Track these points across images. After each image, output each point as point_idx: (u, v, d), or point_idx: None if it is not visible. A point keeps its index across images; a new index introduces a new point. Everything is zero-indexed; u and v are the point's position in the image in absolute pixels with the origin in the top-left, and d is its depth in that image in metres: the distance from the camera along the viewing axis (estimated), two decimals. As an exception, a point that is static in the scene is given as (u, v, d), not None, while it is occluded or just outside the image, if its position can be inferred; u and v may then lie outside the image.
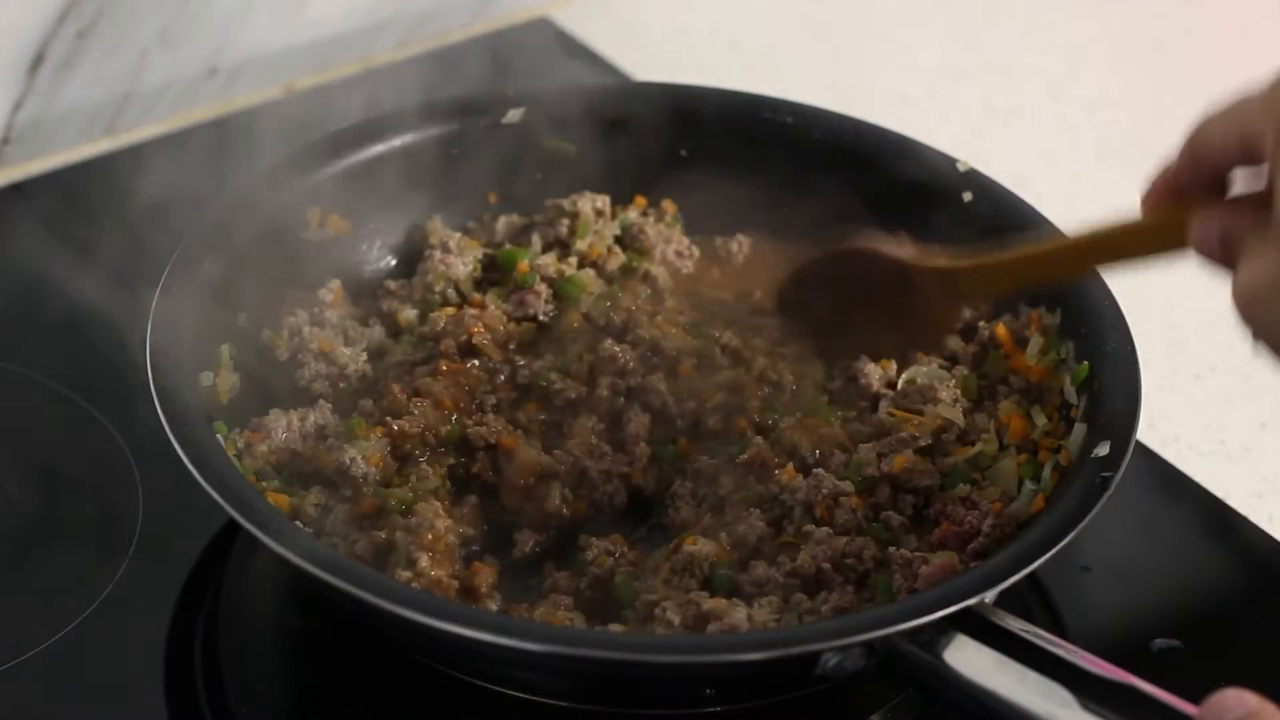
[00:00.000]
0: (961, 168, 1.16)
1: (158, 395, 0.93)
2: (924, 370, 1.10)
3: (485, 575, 0.96)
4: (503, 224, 1.22)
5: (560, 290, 1.16)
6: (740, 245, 1.22)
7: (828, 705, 0.96)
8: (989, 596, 0.85)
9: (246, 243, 1.08)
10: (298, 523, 0.96)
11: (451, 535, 0.97)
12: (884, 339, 1.06)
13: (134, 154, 1.38)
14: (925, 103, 1.57)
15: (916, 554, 0.96)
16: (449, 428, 1.04)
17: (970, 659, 0.83)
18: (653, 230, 1.21)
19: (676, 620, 0.92)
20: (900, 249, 1.00)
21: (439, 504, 0.99)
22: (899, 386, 1.10)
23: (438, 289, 1.15)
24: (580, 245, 1.19)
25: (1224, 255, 0.80)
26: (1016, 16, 1.72)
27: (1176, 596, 1.09)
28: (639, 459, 1.05)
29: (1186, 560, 1.11)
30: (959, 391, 1.08)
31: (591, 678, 0.92)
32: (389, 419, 1.04)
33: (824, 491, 0.99)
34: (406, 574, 0.94)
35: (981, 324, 1.12)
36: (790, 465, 1.02)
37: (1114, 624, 1.06)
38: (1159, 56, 1.68)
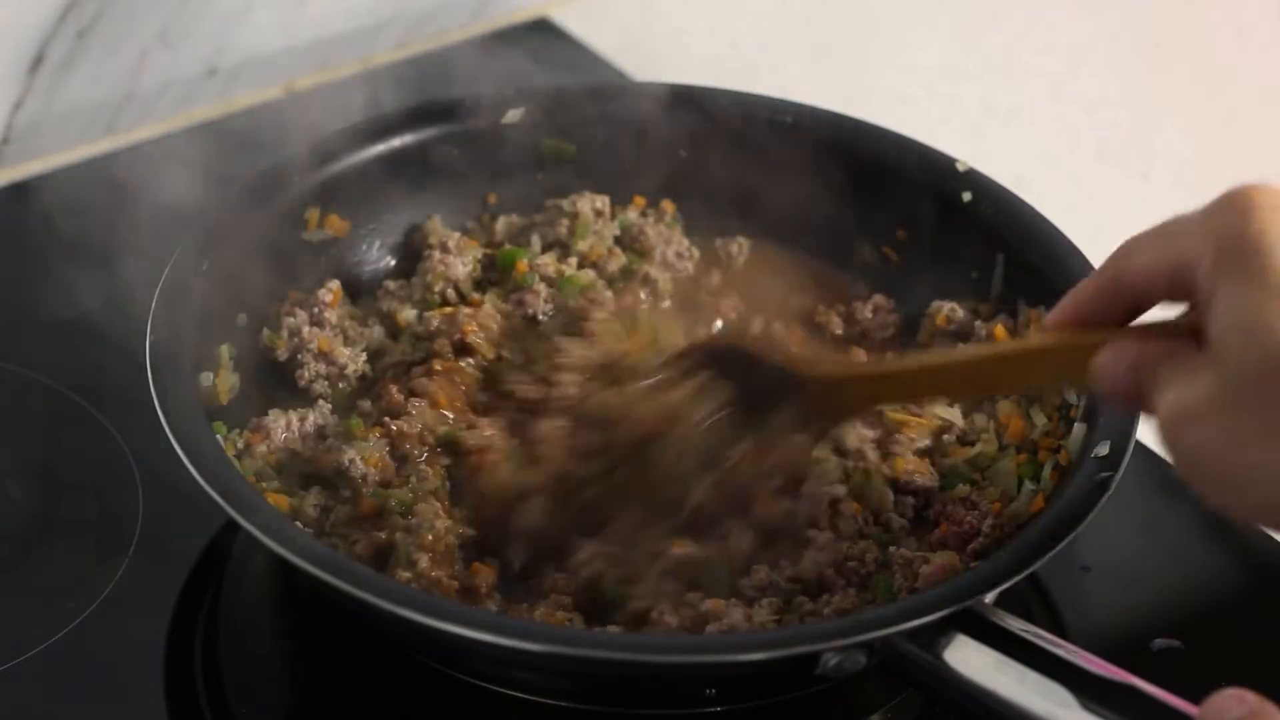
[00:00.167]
0: (961, 168, 1.16)
1: (158, 395, 0.93)
2: None
3: (485, 575, 0.96)
4: (502, 224, 1.22)
5: (560, 290, 1.16)
6: (740, 248, 1.22)
7: (828, 705, 0.96)
8: (989, 596, 0.85)
9: (246, 243, 1.08)
10: (298, 523, 0.97)
11: (451, 536, 0.97)
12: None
13: (134, 154, 1.38)
14: (925, 103, 1.57)
15: (917, 554, 0.96)
16: (445, 428, 1.04)
17: (970, 659, 0.82)
18: (653, 231, 1.21)
19: (675, 623, 0.92)
20: (782, 351, 0.98)
21: (439, 504, 0.99)
22: None
23: (437, 289, 1.15)
24: (581, 246, 1.19)
25: (1131, 386, 0.78)
26: (1016, 16, 1.72)
27: (1176, 596, 1.09)
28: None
29: (1186, 560, 1.11)
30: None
31: (591, 678, 0.92)
32: (386, 419, 1.04)
33: (823, 503, 0.99)
34: (406, 574, 0.94)
35: (979, 324, 1.12)
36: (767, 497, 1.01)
37: (1114, 624, 1.06)
38: (1159, 56, 1.68)
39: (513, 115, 1.20)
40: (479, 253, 1.19)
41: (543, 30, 1.60)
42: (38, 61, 1.37)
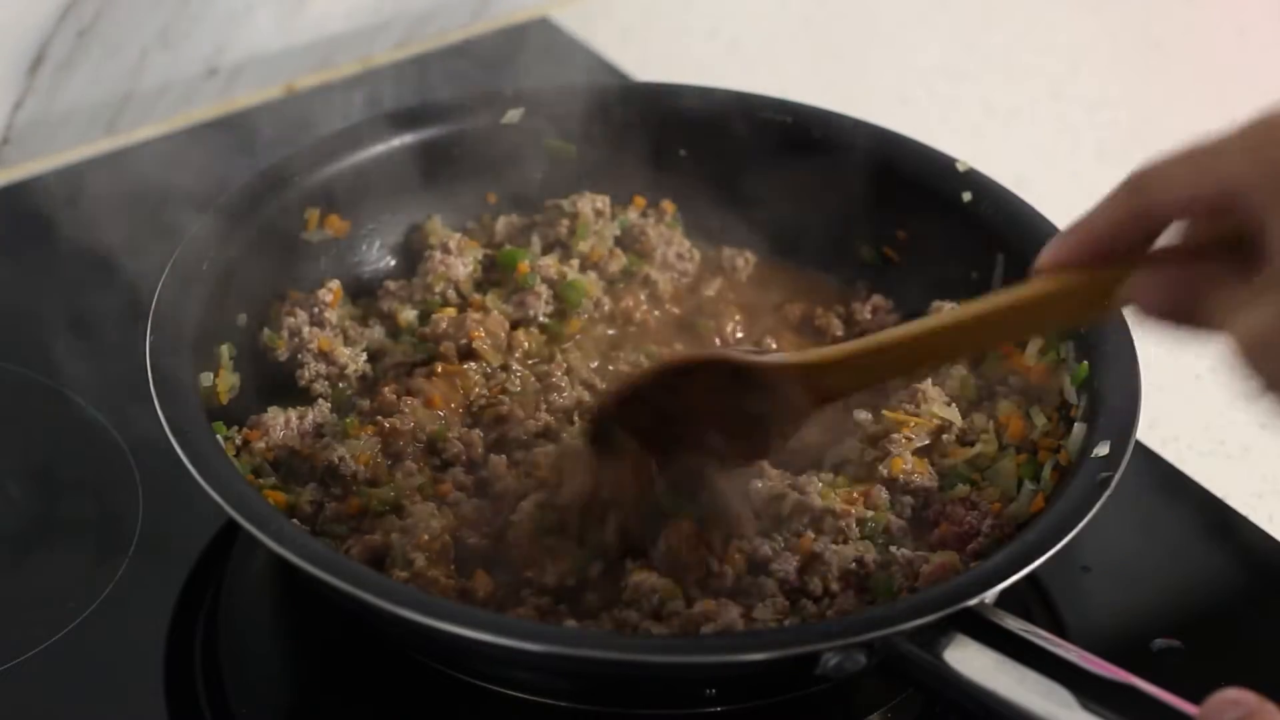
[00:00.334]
0: (961, 168, 1.16)
1: (158, 395, 0.93)
2: None
3: (484, 583, 0.96)
4: (502, 224, 1.22)
5: (561, 294, 1.16)
6: (746, 262, 1.22)
7: (828, 705, 0.96)
8: (989, 596, 0.85)
9: (246, 243, 1.08)
10: (295, 520, 0.97)
11: (447, 535, 0.97)
12: (732, 448, 0.97)
13: (134, 154, 1.38)
14: (925, 103, 1.57)
15: (917, 554, 0.96)
16: (436, 427, 1.04)
17: (970, 659, 0.82)
18: (654, 232, 1.21)
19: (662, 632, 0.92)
20: (747, 354, 0.95)
21: (433, 504, 0.99)
22: None
23: (438, 290, 1.15)
24: (582, 247, 1.19)
25: (1173, 306, 0.77)
26: (1016, 16, 1.72)
27: (1176, 596, 1.09)
28: None
29: (1186, 560, 1.11)
30: (956, 389, 1.08)
31: (591, 678, 0.92)
32: (379, 417, 1.04)
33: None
34: (403, 574, 0.94)
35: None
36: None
37: (1114, 624, 1.06)
38: (1159, 56, 1.68)
39: (513, 115, 1.20)
40: (479, 253, 1.19)
41: (543, 30, 1.60)
42: (38, 61, 1.37)
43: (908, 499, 1.01)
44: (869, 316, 1.17)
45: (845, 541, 0.97)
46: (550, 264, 1.17)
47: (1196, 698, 0.75)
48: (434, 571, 0.94)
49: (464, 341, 1.10)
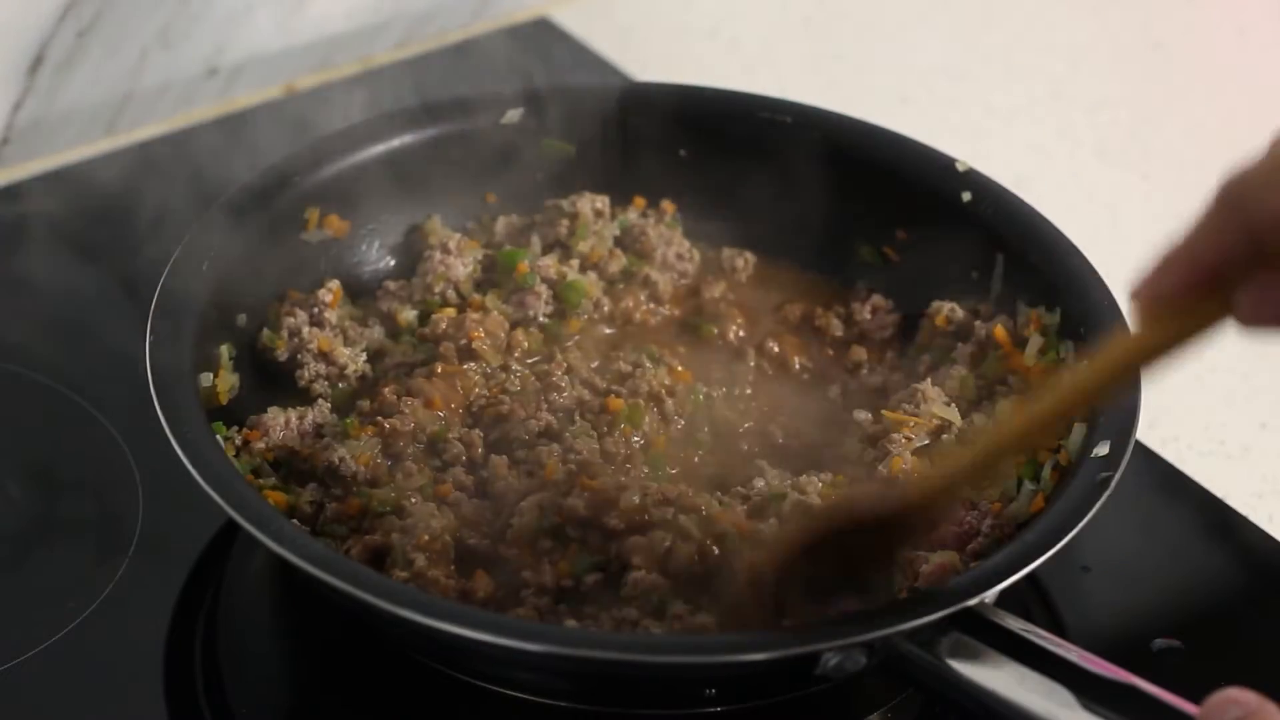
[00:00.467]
0: (961, 168, 1.16)
1: (158, 395, 0.93)
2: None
3: (483, 583, 0.96)
4: (502, 224, 1.22)
5: (561, 294, 1.16)
6: (746, 262, 1.22)
7: (828, 705, 0.96)
8: (989, 596, 0.85)
9: (246, 243, 1.08)
10: (295, 520, 0.97)
11: (447, 535, 0.97)
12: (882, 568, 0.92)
13: (134, 154, 1.38)
14: (925, 103, 1.57)
15: (917, 554, 0.96)
16: (437, 427, 1.04)
17: (970, 659, 0.82)
18: (653, 232, 1.21)
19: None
20: (883, 491, 0.91)
21: (433, 504, 0.99)
22: None
23: (437, 290, 1.15)
24: (582, 248, 1.19)
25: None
26: (1016, 16, 1.72)
27: (1176, 596, 1.09)
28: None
29: (1186, 560, 1.11)
30: (956, 390, 1.08)
31: (591, 678, 0.92)
32: (379, 418, 1.04)
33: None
34: (403, 574, 0.94)
35: (979, 324, 1.12)
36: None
37: (1114, 624, 1.06)
38: (1159, 56, 1.68)
39: (513, 115, 1.20)
40: (479, 253, 1.19)
41: (543, 30, 1.60)
42: (38, 61, 1.37)
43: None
44: (869, 316, 1.17)
45: None
46: (550, 264, 1.17)
47: (1196, 698, 0.75)
48: (434, 572, 0.94)
49: (463, 342, 1.10)
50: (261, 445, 1.01)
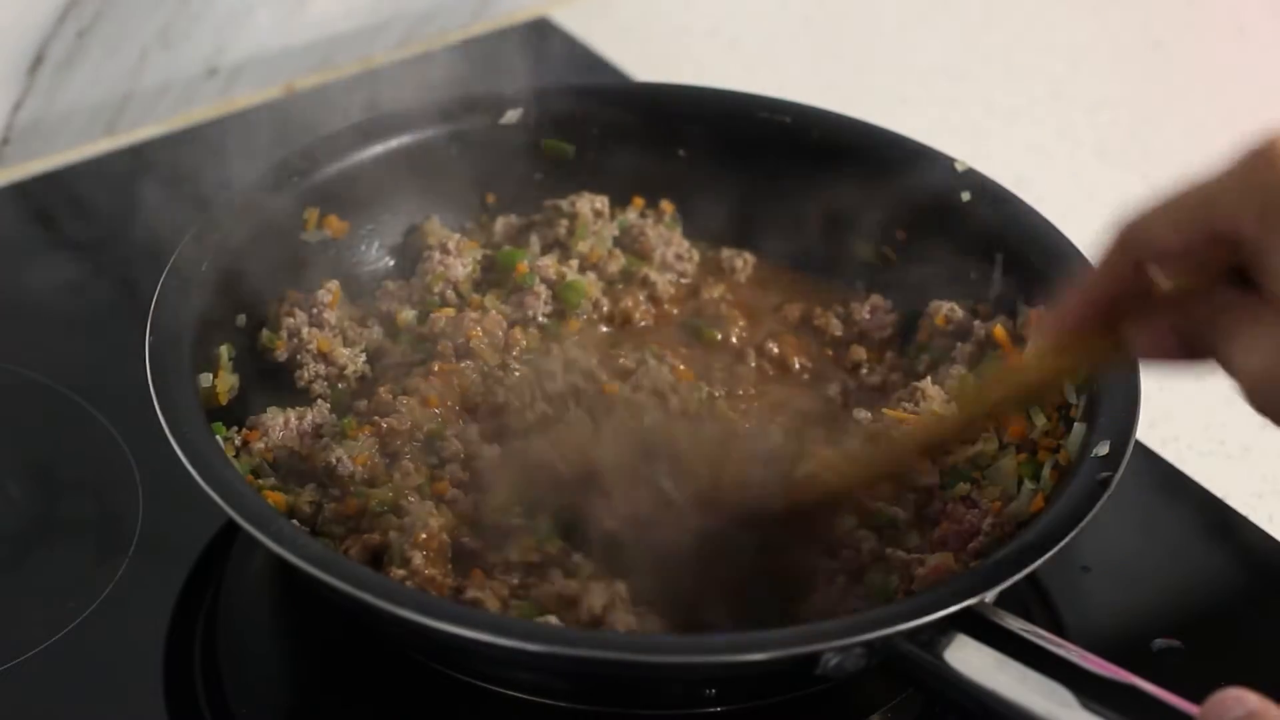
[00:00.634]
0: (961, 168, 1.16)
1: (157, 395, 0.93)
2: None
3: (480, 581, 0.96)
4: (501, 225, 1.22)
5: (560, 294, 1.16)
6: (745, 262, 1.22)
7: (828, 705, 0.96)
8: (989, 596, 0.85)
9: (245, 244, 1.08)
10: (295, 521, 0.97)
11: (445, 534, 0.97)
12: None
13: (134, 154, 1.38)
14: (925, 103, 1.57)
15: (913, 555, 0.96)
16: (434, 425, 1.04)
17: (970, 659, 0.82)
18: (653, 232, 1.21)
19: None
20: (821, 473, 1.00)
21: (430, 503, 0.99)
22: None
23: (436, 290, 1.15)
24: (581, 248, 1.19)
25: (1187, 351, 0.77)
26: (1016, 16, 1.72)
27: (1176, 596, 1.09)
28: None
29: (1186, 560, 1.11)
30: (956, 389, 1.08)
31: (591, 678, 0.92)
32: (376, 417, 1.04)
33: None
34: (401, 572, 0.94)
35: (978, 324, 1.12)
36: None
37: (1114, 624, 1.06)
38: (1159, 56, 1.68)
39: (512, 115, 1.20)
40: (478, 254, 1.19)
41: (543, 30, 1.60)
42: (38, 61, 1.37)
43: (910, 495, 1.01)
44: (868, 316, 1.17)
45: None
46: (549, 264, 1.17)
47: (1197, 697, 0.75)
48: (432, 570, 0.94)
49: (461, 340, 1.10)
50: (261, 445, 1.01)
